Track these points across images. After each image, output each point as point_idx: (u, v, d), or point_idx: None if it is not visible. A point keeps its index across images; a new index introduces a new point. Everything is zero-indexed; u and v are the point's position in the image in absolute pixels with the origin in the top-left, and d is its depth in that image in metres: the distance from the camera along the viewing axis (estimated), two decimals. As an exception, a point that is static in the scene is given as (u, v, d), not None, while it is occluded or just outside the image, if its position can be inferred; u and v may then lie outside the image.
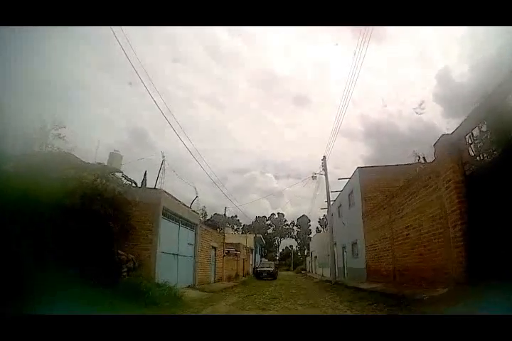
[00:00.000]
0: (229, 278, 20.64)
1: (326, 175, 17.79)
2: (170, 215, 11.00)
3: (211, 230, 16.76)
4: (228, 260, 21.46)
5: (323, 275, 28.25)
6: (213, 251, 16.98)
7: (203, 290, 12.46)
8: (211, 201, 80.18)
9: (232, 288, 15.16)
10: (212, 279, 16.47)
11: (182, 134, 22.28)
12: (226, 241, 22.93)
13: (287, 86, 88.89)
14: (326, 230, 35.75)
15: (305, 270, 46.24)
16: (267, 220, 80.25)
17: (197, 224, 13.93)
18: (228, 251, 21.86)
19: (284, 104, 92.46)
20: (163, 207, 10.16)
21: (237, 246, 25.89)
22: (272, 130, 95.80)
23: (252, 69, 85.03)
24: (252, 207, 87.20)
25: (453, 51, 66.70)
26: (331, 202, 18.36)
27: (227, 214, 72.04)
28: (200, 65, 75.66)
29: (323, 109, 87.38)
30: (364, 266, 13.96)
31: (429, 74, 72.26)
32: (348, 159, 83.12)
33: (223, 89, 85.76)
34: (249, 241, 33.57)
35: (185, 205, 12.69)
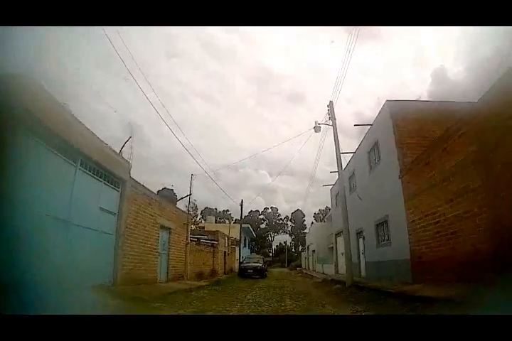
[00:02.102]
0: (199, 276, 14.92)
1: (334, 125, 12.09)
2: (46, 137, 5.25)
3: (162, 201, 10.96)
4: (199, 251, 15.72)
5: (324, 273, 22.65)
6: (165, 234, 11.22)
7: (120, 294, 6.79)
8: (204, 196, 78.31)
9: (189, 292, 9.42)
10: (162, 276, 10.73)
11: (177, 130, 19.56)
12: (199, 228, 17.28)
13: (283, 83, 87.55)
14: (327, 218, 30.17)
15: (300, 266, 40.69)
16: (260, 214, 76.12)
17: (124, 181, 8.18)
18: (198, 239, 16.12)
19: (280, 101, 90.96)
20: (26, 108, 4.40)
21: (214, 234, 20.14)
22: (266, 127, 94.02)
23: (247, 66, 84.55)
24: (245, 204, 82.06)
25: (449, 50, 67.09)
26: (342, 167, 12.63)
27: (218, 209, 68.08)
28: (196, 61, 74.64)
29: (318, 107, 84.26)
30: (405, 256, 8.34)
31: (424, 73, 72.66)
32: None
33: (219, 86, 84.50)
34: (234, 231, 27.74)
35: (99, 139, 6.85)
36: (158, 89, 63.93)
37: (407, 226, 8.26)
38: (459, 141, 5.97)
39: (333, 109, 12.54)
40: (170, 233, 11.49)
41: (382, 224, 10.57)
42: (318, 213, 69.48)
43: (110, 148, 7.90)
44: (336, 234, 19.47)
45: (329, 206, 42.68)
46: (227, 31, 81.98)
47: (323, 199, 75.45)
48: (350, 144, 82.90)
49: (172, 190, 13.17)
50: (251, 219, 66.99)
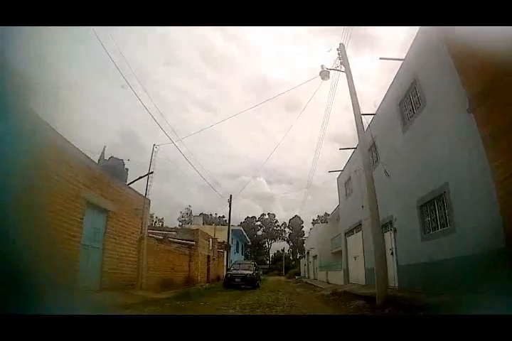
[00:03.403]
0: (165, 285, 11.05)
1: (347, 71, 8.52)
2: None
3: (96, 168, 7.21)
4: (165, 251, 11.82)
5: (329, 282, 18.67)
6: (100, 219, 7.46)
7: None
8: (201, 203, 79.26)
9: (125, 309, 5.67)
10: (91, 280, 6.90)
11: (175, 137, 17.24)
12: (173, 226, 13.54)
13: (280, 91, 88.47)
14: (330, 219, 26.14)
15: (299, 274, 36.47)
16: (257, 221, 72.72)
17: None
18: (165, 235, 12.25)
19: (277, 109, 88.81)
20: None
21: (194, 233, 16.26)
22: (264, 135, 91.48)
23: (245, 74, 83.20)
24: (242, 211, 79.31)
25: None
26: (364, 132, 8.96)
27: (213, 215, 64.26)
28: (194, 70, 73.77)
29: (314, 115, 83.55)
30: (491, 245, 4.63)
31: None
32: (340, 166, 76.51)
33: (216, 94, 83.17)
34: (223, 234, 23.77)
35: None
36: (154, 96, 61.91)
37: (495, 191, 4.57)
38: None
39: (345, 52, 9.10)
40: (108, 218, 7.70)
41: (431, 203, 6.81)
42: (316, 219, 66.02)
43: None
44: (345, 234, 15.66)
45: (328, 212, 38.61)
46: (224, 38, 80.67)
47: (322, 206, 72.06)
48: (349, 154, 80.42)
49: (122, 160, 9.28)
50: (247, 226, 63.40)
